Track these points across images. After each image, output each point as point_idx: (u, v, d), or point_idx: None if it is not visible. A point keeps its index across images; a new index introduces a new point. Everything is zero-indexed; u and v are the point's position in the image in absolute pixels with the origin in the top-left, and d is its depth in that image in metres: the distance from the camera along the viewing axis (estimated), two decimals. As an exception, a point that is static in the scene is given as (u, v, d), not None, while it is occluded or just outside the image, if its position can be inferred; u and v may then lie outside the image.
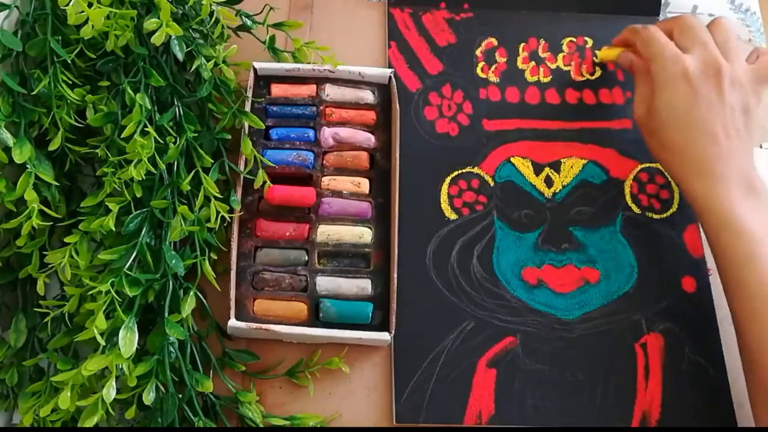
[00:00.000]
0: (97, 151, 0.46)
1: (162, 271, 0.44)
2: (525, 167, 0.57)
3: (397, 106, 0.54)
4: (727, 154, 0.48)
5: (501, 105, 0.59)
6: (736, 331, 0.48)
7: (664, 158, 0.52)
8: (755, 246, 0.46)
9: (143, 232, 0.44)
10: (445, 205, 0.55)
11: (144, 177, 0.44)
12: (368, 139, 0.55)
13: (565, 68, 0.61)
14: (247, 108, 0.53)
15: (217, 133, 0.50)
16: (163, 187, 0.46)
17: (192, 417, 0.44)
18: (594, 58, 0.61)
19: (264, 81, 0.55)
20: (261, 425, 0.47)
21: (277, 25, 0.55)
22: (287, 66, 0.55)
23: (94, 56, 0.46)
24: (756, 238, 0.46)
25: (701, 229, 0.55)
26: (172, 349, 0.44)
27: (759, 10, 0.65)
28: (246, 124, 0.51)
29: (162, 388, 0.43)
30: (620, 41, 0.57)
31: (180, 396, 0.44)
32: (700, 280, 0.54)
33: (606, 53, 0.59)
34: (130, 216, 0.44)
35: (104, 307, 0.41)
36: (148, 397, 0.42)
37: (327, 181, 0.53)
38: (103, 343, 0.41)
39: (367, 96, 0.56)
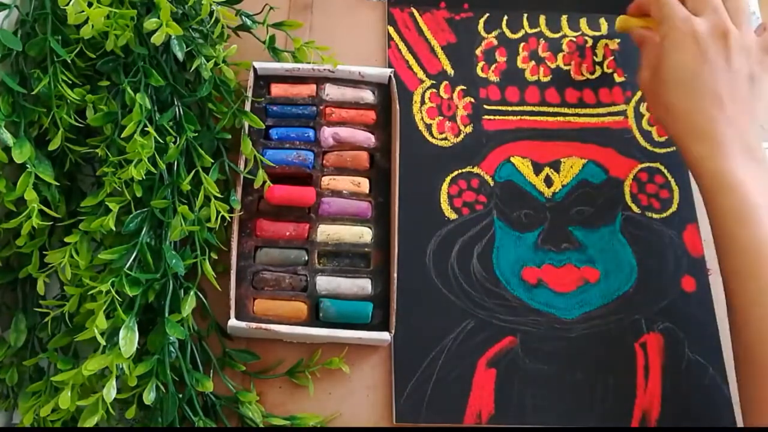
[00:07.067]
0: (97, 151, 0.46)
1: (162, 271, 0.44)
2: (525, 167, 0.57)
3: (397, 105, 0.54)
4: (730, 118, 0.48)
5: (501, 104, 0.59)
6: (726, 291, 0.47)
7: (667, 121, 0.51)
8: (751, 208, 0.46)
9: (143, 232, 0.44)
10: (444, 204, 0.55)
11: (144, 177, 0.44)
12: (368, 138, 0.55)
13: (565, 68, 0.61)
14: (247, 108, 0.53)
15: (217, 133, 0.50)
16: (163, 186, 0.46)
17: (192, 417, 0.44)
18: (594, 51, 0.61)
19: (264, 81, 0.55)
20: (261, 425, 0.47)
21: (277, 25, 0.55)
22: (287, 66, 0.55)
23: (94, 56, 0.46)
24: (752, 202, 0.46)
25: (700, 229, 0.56)
26: (172, 349, 0.44)
27: (759, 10, 0.65)
28: (246, 124, 0.51)
29: (162, 388, 0.43)
30: (635, 7, 0.58)
31: (180, 396, 0.44)
32: (700, 279, 0.54)
33: (624, 23, 0.59)
34: (130, 216, 0.44)
35: (104, 307, 0.41)
36: (149, 397, 0.42)
37: (327, 181, 0.53)
38: (103, 342, 0.41)
39: (367, 96, 0.56)
